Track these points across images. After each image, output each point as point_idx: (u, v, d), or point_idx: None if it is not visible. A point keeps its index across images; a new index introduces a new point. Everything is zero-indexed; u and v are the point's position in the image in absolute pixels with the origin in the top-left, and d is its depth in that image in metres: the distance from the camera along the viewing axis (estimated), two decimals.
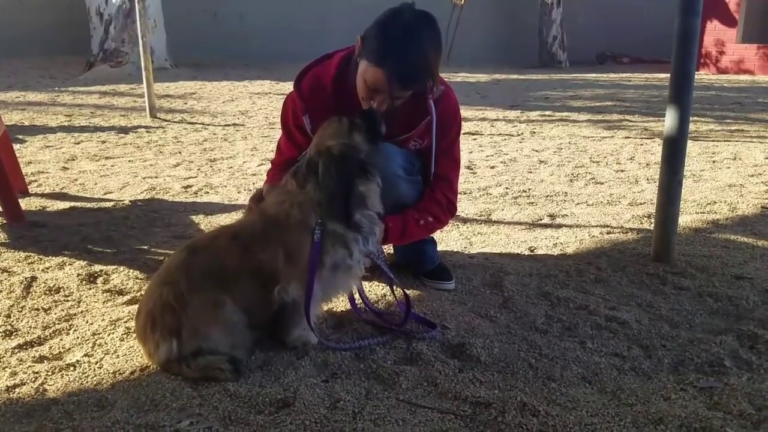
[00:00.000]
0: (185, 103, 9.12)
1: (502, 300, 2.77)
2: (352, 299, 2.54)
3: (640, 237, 3.59)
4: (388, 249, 3.18)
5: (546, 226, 3.84)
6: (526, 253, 3.38)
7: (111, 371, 2.15)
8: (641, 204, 4.26)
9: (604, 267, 3.14)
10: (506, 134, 7.01)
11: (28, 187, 4.47)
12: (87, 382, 2.08)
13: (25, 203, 4.08)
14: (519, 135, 6.98)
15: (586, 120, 8.01)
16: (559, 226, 3.84)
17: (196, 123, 7.52)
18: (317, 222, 2.19)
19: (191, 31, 15.03)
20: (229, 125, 7.43)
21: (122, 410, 1.90)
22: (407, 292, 2.56)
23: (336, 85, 2.56)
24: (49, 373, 2.12)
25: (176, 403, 1.94)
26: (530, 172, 5.21)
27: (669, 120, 2.99)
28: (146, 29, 7.79)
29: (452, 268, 3.06)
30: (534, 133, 7.12)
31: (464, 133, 6.90)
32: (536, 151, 6.10)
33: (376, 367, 2.18)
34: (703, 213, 4.06)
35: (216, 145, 6.22)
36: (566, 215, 4.04)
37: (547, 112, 8.64)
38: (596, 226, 3.82)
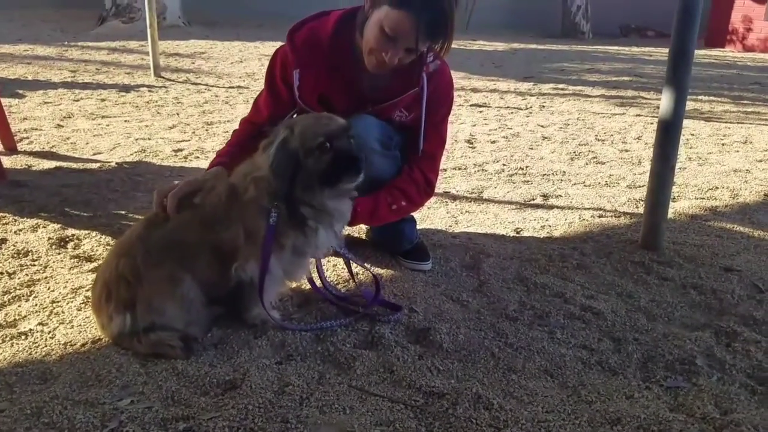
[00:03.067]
0: (193, 63, 9.01)
1: (478, 283, 2.69)
2: (311, 280, 2.46)
3: (632, 222, 3.47)
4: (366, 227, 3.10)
5: (537, 206, 3.73)
6: (512, 234, 3.28)
7: (62, 342, 2.11)
8: (640, 186, 4.11)
9: (588, 252, 3.04)
10: (514, 107, 6.83)
11: (18, 144, 4.42)
12: (35, 352, 2.04)
13: (11, 161, 4.04)
14: (527, 109, 6.80)
15: (599, 95, 7.79)
16: (551, 207, 3.72)
17: (199, 84, 7.42)
18: (274, 204, 2.10)
19: None
20: (233, 87, 7.32)
21: (64, 384, 1.86)
22: (377, 273, 2.49)
23: (332, 43, 2.44)
24: None
25: (121, 380, 1.89)
26: (531, 149, 5.07)
27: (664, 102, 2.85)
28: None
29: (432, 247, 2.97)
30: (543, 107, 6.94)
31: (471, 105, 6.79)
32: (541, 126, 5.94)
33: (334, 350, 2.12)
34: (703, 199, 3.92)
35: (216, 108, 6.13)
36: (560, 196, 3.92)
37: (561, 85, 8.42)
38: (589, 208, 3.70)
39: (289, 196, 2.07)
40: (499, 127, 5.80)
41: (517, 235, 3.26)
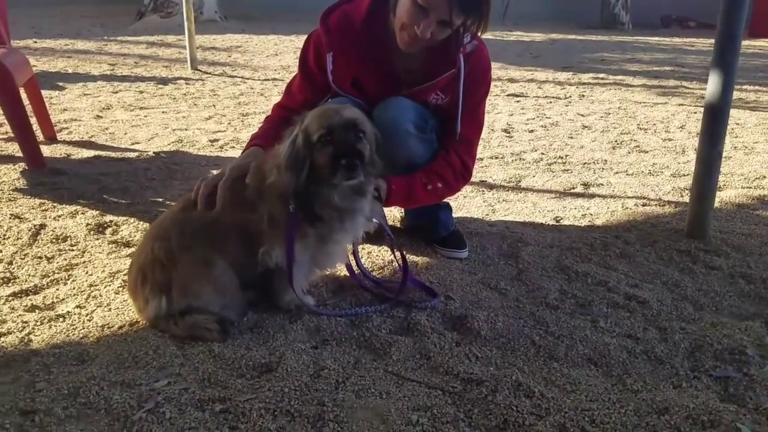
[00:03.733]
0: (229, 56, 9.07)
1: (516, 272, 2.62)
2: (348, 266, 2.42)
3: (677, 211, 3.36)
4: (401, 212, 3.06)
5: (577, 195, 3.64)
6: (551, 223, 3.20)
7: (99, 324, 2.11)
8: (685, 175, 3.99)
9: (632, 241, 2.95)
10: (553, 97, 6.71)
11: (58, 134, 4.49)
12: (73, 334, 2.05)
13: (50, 150, 4.10)
14: (566, 98, 6.67)
15: (640, 85, 7.61)
16: (592, 195, 3.63)
17: (235, 76, 7.46)
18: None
19: None
20: (268, 80, 7.34)
21: (101, 366, 1.86)
22: (408, 258, 2.44)
23: (366, 26, 2.41)
24: (38, 323, 2.10)
25: (157, 362, 1.89)
26: (571, 138, 4.96)
27: (711, 86, 2.74)
28: None
29: (468, 236, 2.92)
30: (583, 96, 6.80)
31: (508, 95, 6.69)
32: (581, 115, 5.82)
33: (369, 335, 2.08)
34: (750, 188, 3.78)
35: (251, 100, 6.14)
36: (602, 184, 3.82)
37: (601, 75, 8.25)
38: (632, 197, 3.60)
39: (297, 191, 2.01)
40: (537, 117, 5.70)
41: (557, 224, 3.18)
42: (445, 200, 2.77)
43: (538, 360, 2.00)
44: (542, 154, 4.46)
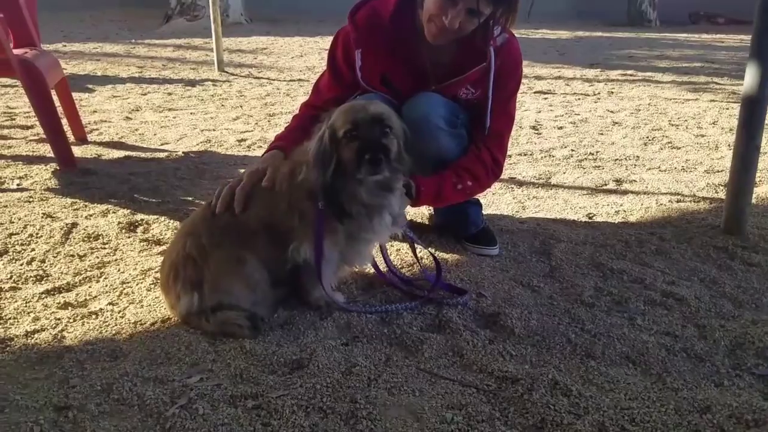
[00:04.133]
0: (255, 58, 9.12)
1: (549, 269, 2.58)
2: (375, 264, 2.40)
3: (712, 207, 3.28)
4: (429, 209, 3.03)
5: (610, 191, 3.57)
6: (584, 219, 3.15)
7: (132, 321, 2.12)
8: (719, 172, 3.90)
9: (668, 238, 2.89)
10: (581, 94, 6.62)
11: (88, 135, 4.54)
12: (106, 331, 2.06)
13: (81, 150, 4.14)
14: (595, 95, 6.58)
15: (670, 81, 7.48)
16: (625, 192, 3.56)
17: (261, 78, 7.49)
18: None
19: None
20: (294, 80, 7.36)
21: (134, 362, 1.86)
22: (438, 256, 2.42)
23: (394, 21, 2.39)
24: (71, 320, 2.11)
25: (190, 358, 1.89)
26: (601, 134, 4.89)
27: (749, 78, 2.67)
28: None
29: (499, 233, 2.88)
30: (612, 93, 6.70)
31: (535, 92, 6.62)
32: (611, 111, 5.73)
33: (401, 332, 2.06)
34: None
35: (277, 100, 6.16)
36: (635, 181, 3.75)
37: (630, 72, 8.13)
38: (666, 193, 3.53)
39: (324, 187, 1.99)
40: (566, 113, 5.63)
41: (590, 221, 3.13)
42: (475, 197, 2.73)
43: (575, 358, 1.96)
44: (572, 150, 4.40)
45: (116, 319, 2.14)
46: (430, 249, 2.53)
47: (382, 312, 2.18)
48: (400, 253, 2.68)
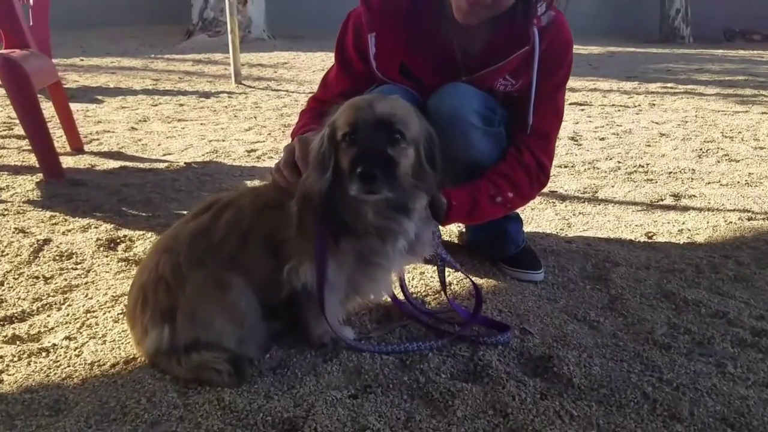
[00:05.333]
0: (275, 72, 8.79)
1: (608, 299, 2.11)
2: (393, 295, 1.95)
3: None
4: (459, 226, 2.58)
5: (668, 207, 3.09)
6: (642, 239, 2.67)
7: (89, 361, 1.70)
8: None
9: (746, 262, 2.40)
10: (620, 105, 6.14)
11: (88, 145, 4.18)
12: (54, 374, 1.64)
13: (75, 161, 3.77)
14: (636, 106, 6.10)
15: (714, 93, 6.97)
16: (686, 208, 3.07)
17: (280, 90, 7.13)
18: None
19: (290, 3, 14.81)
20: (313, 93, 6.98)
21: (79, 417, 1.44)
22: (477, 281, 1.95)
23: (416, 1, 1.98)
24: (14, 359, 1.69)
25: (150, 414, 1.46)
26: (648, 146, 4.40)
27: None
28: None
29: (542, 254, 2.42)
30: (653, 104, 6.21)
31: (570, 104, 6.14)
32: (656, 123, 5.25)
33: (425, 381, 1.60)
34: None
35: (294, 111, 5.77)
36: (694, 196, 3.27)
37: (669, 84, 7.63)
38: (733, 210, 3.03)
39: (320, 197, 1.54)
40: (607, 124, 5.15)
41: (650, 241, 2.65)
42: (515, 210, 2.28)
43: (655, 420, 1.48)
44: (618, 162, 3.92)
45: (70, 358, 1.72)
46: (465, 273, 2.07)
47: (402, 352, 1.73)
48: (425, 277, 2.23)
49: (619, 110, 5.86)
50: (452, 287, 2.13)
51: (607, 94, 6.89)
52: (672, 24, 16.27)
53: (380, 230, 1.60)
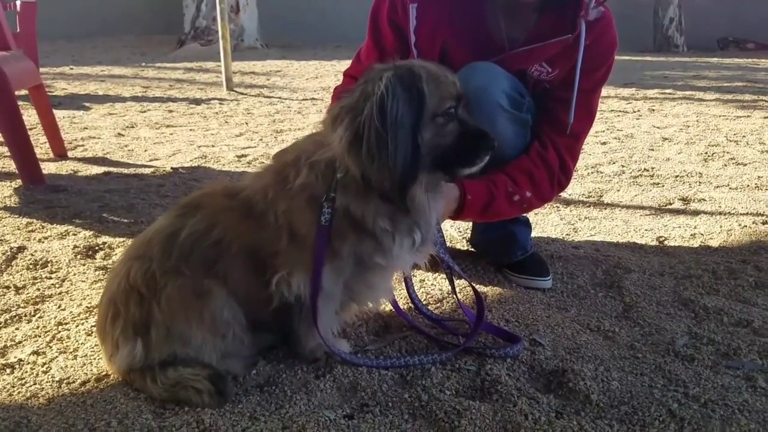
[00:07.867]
0: (267, 80, 8.65)
1: (622, 307, 1.96)
2: (394, 302, 1.80)
3: None
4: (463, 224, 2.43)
5: (678, 211, 2.95)
6: (653, 244, 2.53)
7: (56, 378, 1.54)
8: None
9: (765, 267, 2.27)
10: (619, 111, 6.03)
11: (72, 151, 4.02)
12: (18, 392, 1.48)
13: (57, 166, 3.62)
14: (635, 112, 5.99)
15: (714, 99, 6.87)
16: (696, 212, 2.94)
17: (272, 97, 6.99)
18: (328, 195, 1.46)
19: (284, 13, 14.72)
20: (306, 99, 6.85)
21: None
22: (481, 290, 1.80)
23: None
24: None
25: None
26: (652, 150, 4.28)
27: None
28: None
29: (548, 260, 2.28)
30: (653, 110, 6.10)
31: None
32: (658, 127, 5.12)
33: (428, 399, 1.45)
34: None
35: (287, 117, 5.64)
36: (704, 200, 3.13)
37: (668, 90, 7.52)
38: (746, 213, 2.90)
39: (404, 179, 1.37)
40: (607, 129, 5.02)
41: (662, 245, 2.51)
42: (526, 215, 2.14)
43: None
44: (622, 166, 3.79)
45: (36, 375, 1.56)
46: (467, 278, 1.92)
47: (402, 366, 1.58)
48: (425, 285, 2.08)
49: (618, 115, 5.75)
50: (453, 295, 1.97)
51: (605, 99, 6.77)
52: (666, 33, 16.24)
53: (420, 210, 1.48)
